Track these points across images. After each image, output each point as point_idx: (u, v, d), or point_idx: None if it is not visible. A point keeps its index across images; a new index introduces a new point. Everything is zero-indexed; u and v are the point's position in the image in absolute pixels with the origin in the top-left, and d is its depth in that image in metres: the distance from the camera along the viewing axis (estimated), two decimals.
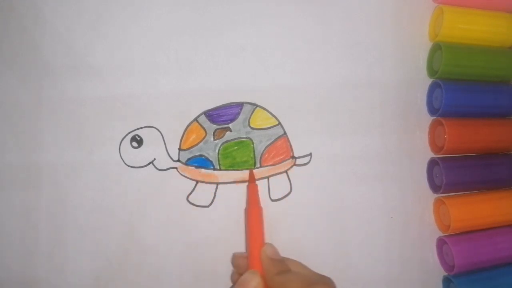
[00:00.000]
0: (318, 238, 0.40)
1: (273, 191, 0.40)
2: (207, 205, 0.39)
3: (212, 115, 0.40)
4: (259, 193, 0.38)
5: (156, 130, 0.40)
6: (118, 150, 0.39)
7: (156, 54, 0.40)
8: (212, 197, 0.39)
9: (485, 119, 0.42)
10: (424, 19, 0.43)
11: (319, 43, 0.41)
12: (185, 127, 0.40)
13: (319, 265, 0.40)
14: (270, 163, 0.40)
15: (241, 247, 0.39)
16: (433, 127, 0.42)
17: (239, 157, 0.40)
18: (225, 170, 0.40)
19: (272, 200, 0.40)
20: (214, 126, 0.40)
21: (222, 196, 0.39)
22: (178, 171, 0.39)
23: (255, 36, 0.41)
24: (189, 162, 0.40)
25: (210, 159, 0.40)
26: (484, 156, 0.43)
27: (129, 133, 0.39)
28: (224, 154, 0.40)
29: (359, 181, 0.41)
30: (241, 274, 0.34)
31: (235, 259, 0.37)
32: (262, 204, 0.40)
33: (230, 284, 0.39)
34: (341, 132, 0.41)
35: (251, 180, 0.39)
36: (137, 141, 0.39)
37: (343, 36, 0.42)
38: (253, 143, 0.40)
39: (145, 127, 0.40)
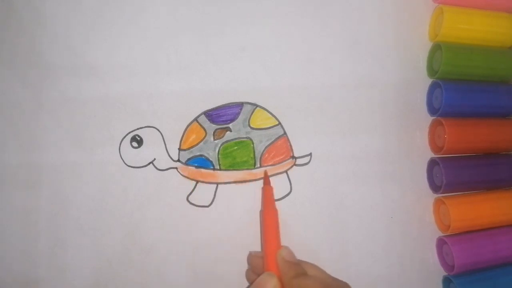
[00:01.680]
0: (318, 238, 0.40)
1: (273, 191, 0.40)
2: (207, 205, 0.39)
3: (212, 115, 0.40)
4: (255, 194, 0.38)
5: (156, 130, 0.40)
6: (118, 150, 0.39)
7: (156, 54, 0.40)
8: (212, 197, 0.39)
9: (485, 119, 0.42)
10: (424, 19, 0.43)
11: (319, 43, 0.41)
12: (185, 127, 0.40)
13: (319, 265, 0.40)
14: (270, 163, 0.40)
15: (241, 247, 0.39)
16: (433, 127, 0.42)
17: (239, 157, 0.40)
18: (225, 170, 0.40)
19: None
20: (214, 126, 0.40)
21: (222, 196, 0.39)
22: (178, 171, 0.39)
23: (255, 36, 0.41)
24: (189, 162, 0.40)
25: (210, 159, 0.40)
26: (484, 156, 0.43)
27: (129, 133, 0.39)
28: (224, 154, 0.40)
29: (359, 181, 0.41)
30: (257, 274, 0.34)
31: (251, 258, 0.37)
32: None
33: (230, 284, 0.39)
34: (341, 132, 0.41)
35: (266, 182, 0.39)
36: (137, 141, 0.39)
37: (343, 36, 0.42)
38: (253, 143, 0.40)
39: (145, 127, 0.40)
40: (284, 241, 0.40)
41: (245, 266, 0.38)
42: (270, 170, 0.40)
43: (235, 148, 0.40)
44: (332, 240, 0.40)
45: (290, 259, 0.33)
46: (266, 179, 0.39)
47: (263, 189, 0.38)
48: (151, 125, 0.40)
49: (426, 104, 0.43)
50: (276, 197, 0.40)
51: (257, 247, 0.39)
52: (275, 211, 0.36)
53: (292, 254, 0.34)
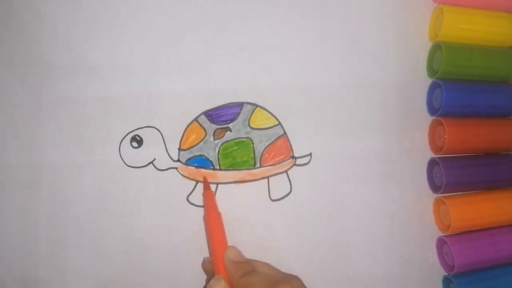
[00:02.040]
0: (318, 238, 0.40)
1: (273, 191, 0.40)
2: None
3: (212, 115, 0.40)
4: (255, 194, 0.39)
5: (156, 130, 0.40)
6: (118, 150, 0.39)
7: (156, 54, 0.40)
8: None
9: (485, 119, 0.42)
10: (424, 19, 0.43)
11: (319, 43, 0.41)
12: (185, 127, 0.40)
13: (319, 265, 0.40)
14: (270, 163, 0.40)
15: (240, 247, 0.39)
16: (433, 127, 0.42)
17: (239, 157, 0.40)
18: (225, 170, 0.40)
19: (272, 200, 0.40)
20: (214, 126, 0.40)
21: (222, 196, 0.39)
22: (178, 171, 0.39)
23: (255, 36, 0.41)
24: (189, 162, 0.40)
25: (210, 159, 0.40)
26: (484, 156, 0.43)
27: (129, 133, 0.39)
28: (224, 154, 0.40)
29: (359, 181, 0.41)
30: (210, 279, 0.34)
31: (204, 264, 0.37)
32: (262, 204, 0.40)
33: None
34: (341, 132, 0.41)
35: (206, 187, 0.38)
36: (137, 141, 0.39)
37: (343, 36, 0.42)
38: (253, 143, 0.40)
39: (145, 127, 0.40)
40: (284, 241, 0.40)
41: None
42: (270, 170, 0.40)
43: (235, 148, 0.40)
44: (332, 240, 0.40)
45: (237, 259, 0.33)
46: (205, 184, 0.39)
47: (204, 194, 0.38)
48: (151, 125, 0.40)
49: (426, 104, 0.43)
50: (276, 197, 0.40)
51: (256, 247, 0.39)
52: (217, 214, 0.36)
53: (239, 254, 0.34)
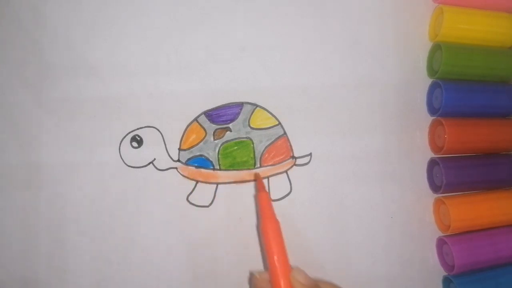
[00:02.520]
0: (318, 238, 0.40)
1: (273, 191, 0.40)
2: (207, 205, 0.39)
3: (212, 115, 0.40)
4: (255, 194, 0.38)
5: (156, 130, 0.40)
6: (118, 150, 0.39)
7: (156, 54, 0.40)
8: (212, 197, 0.39)
9: (485, 119, 0.42)
10: (424, 19, 0.43)
11: (319, 43, 0.41)
12: (185, 127, 0.40)
13: (319, 265, 0.40)
14: (270, 163, 0.40)
15: (240, 247, 0.39)
16: (433, 127, 0.42)
17: (239, 157, 0.40)
18: (225, 170, 0.40)
19: (272, 200, 0.40)
20: (214, 126, 0.40)
21: (222, 196, 0.39)
22: (178, 171, 0.39)
23: (255, 36, 0.41)
24: (189, 162, 0.40)
25: (210, 159, 0.40)
26: (484, 156, 0.43)
27: (129, 133, 0.39)
28: (224, 154, 0.40)
29: (359, 181, 0.41)
30: None
31: (257, 283, 0.32)
32: None
33: (230, 283, 0.39)
34: (341, 132, 0.41)
35: (260, 188, 0.33)
36: (137, 141, 0.39)
37: (343, 36, 0.42)
38: (253, 143, 0.40)
39: (145, 127, 0.40)
40: (284, 242, 0.39)
41: (244, 266, 0.38)
42: (270, 170, 0.40)
43: (235, 148, 0.40)
44: (332, 240, 0.40)
45: (308, 282, 0.29)
46: (260, 184, 0.34)
47: (258, 196, 0.33)
48: (151, 125, 0.40)
49: (426, 104, 0.43)
50: (276, 197, 0.40)
51: (257, 247, 0.39)
52: (277, 223, 0.31)
53: (307, 276, 0.30)
